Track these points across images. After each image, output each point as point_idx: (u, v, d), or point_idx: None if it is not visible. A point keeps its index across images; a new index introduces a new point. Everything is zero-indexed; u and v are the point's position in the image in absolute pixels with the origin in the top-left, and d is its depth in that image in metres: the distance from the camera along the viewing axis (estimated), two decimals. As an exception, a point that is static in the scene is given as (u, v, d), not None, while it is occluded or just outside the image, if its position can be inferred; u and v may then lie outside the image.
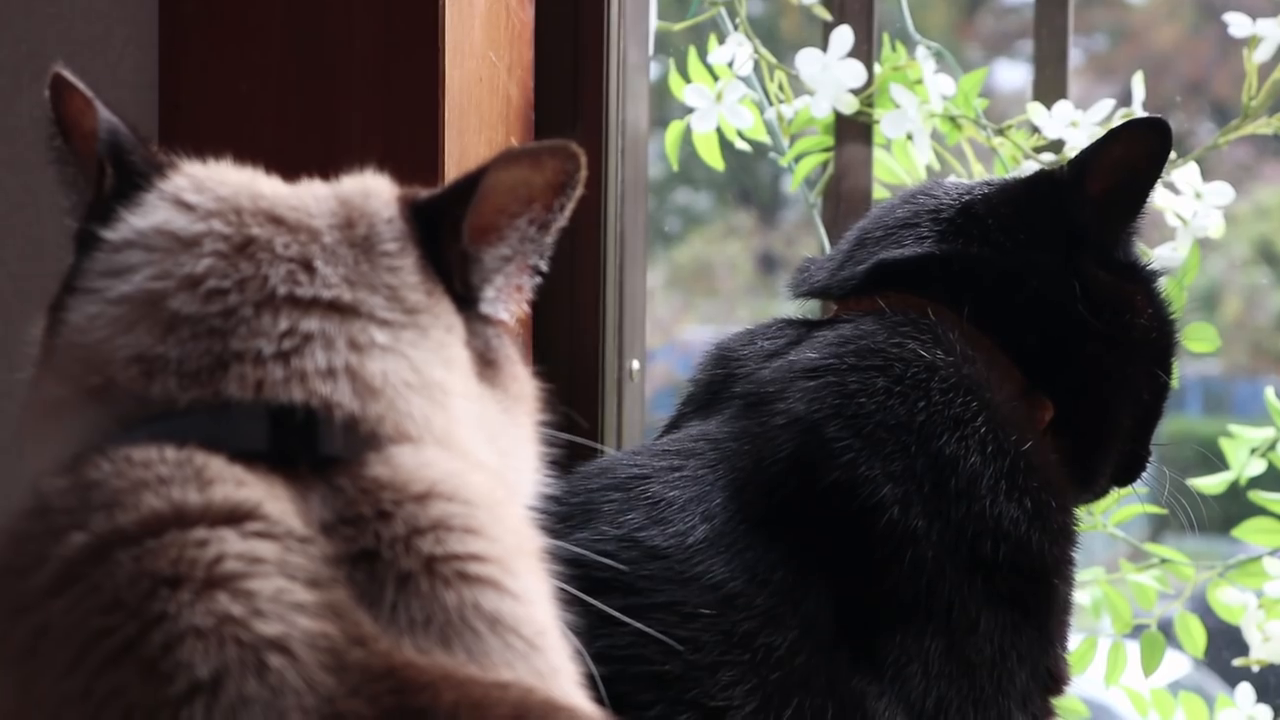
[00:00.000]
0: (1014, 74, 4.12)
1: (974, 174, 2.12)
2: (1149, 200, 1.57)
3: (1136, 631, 2.19)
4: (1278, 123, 2.07)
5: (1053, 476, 1.46)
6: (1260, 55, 2.04)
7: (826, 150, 2.16)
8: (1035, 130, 2.07)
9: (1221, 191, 2.09)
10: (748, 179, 3.72)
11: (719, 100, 2.10)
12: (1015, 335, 1.50)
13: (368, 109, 1.64)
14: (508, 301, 1.12)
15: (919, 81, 2.11)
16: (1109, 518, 2.06)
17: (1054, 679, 1.45)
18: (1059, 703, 2.10)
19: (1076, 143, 2.05)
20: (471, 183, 1.07)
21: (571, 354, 1.87)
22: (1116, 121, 2.05)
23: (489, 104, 1.71)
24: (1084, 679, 2.22)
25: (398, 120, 1.63)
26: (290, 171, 1.65)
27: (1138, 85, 2.06)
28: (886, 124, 2.09)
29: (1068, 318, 1.50)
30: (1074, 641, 2.18)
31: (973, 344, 1.47)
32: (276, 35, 1.66)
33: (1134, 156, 1.52)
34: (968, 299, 1.50)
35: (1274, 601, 2.10)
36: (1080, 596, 2.15)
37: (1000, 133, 2.09)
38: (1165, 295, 1.60)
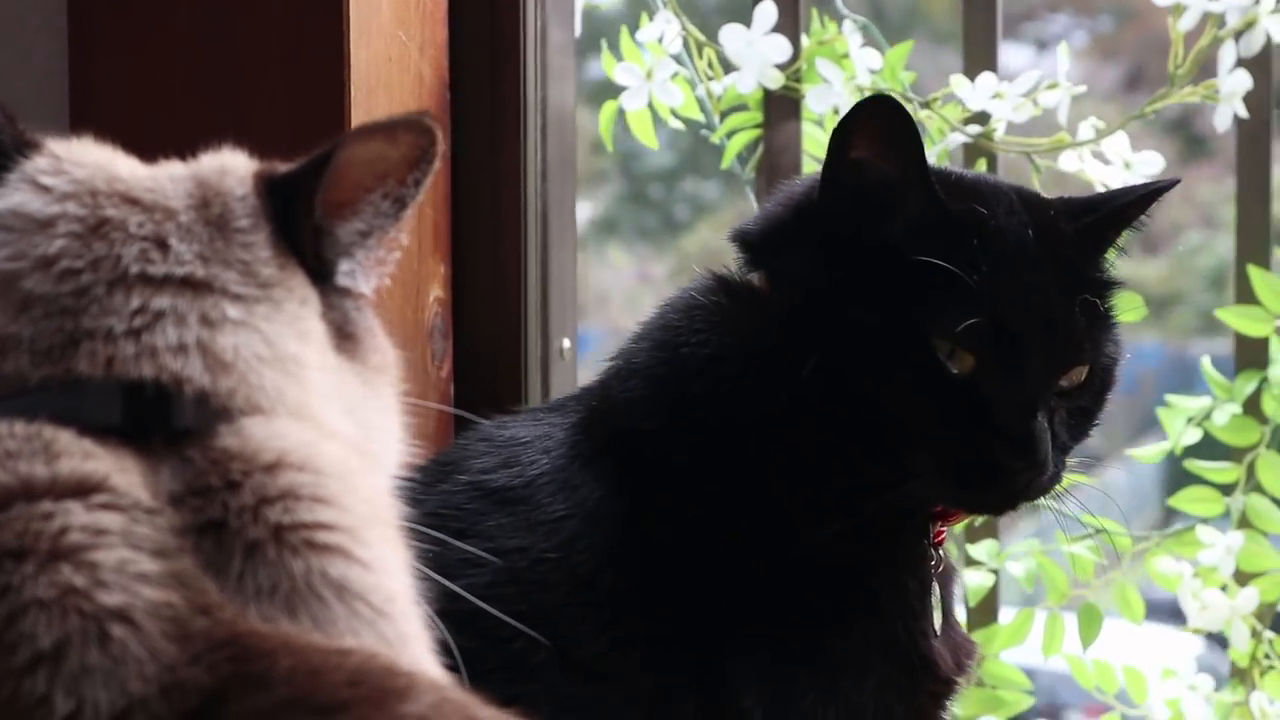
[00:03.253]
0: (1019, 57, 4.14)
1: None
2: (924, 166, 1.46)
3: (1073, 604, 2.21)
4: (1204, 91, 2.07)
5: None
6: (1184, 24, 2.05)
7: (757, 126, 2.16)
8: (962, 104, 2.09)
9: (1150, 161, 2.10)
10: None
11: (649, 78, 2.10)
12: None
13: (274, 88, 1.65)
14: (368, 274, 1.13)
15: (845, 56, 2.12)
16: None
17: (922, 666, 1.46)
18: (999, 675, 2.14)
19: (1001, 114, 2.06)
20: (325, 158, 1.08)
21: (495, 333, 1.88)
22: (1042, 94, 2.06)
23: (399, 83, 1.72)
24: (1025, 650, 2.24)
25: (304, 99, 1.63)
26: (199, 151, 1.67)
27: (1063, 56, 2.07)
28: (813, 99, 2.10)
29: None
30: (1009, 614, 2.22)
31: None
32: (184, 15, 1.67)
33: (891, 130, 1.43)
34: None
35: (1210, 570, 2.11)
36: (1014, 568, 2.17)
37: (926, 106, 2.10)
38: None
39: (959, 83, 2.06)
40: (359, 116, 1.63)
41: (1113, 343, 1.48)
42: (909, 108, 2.10)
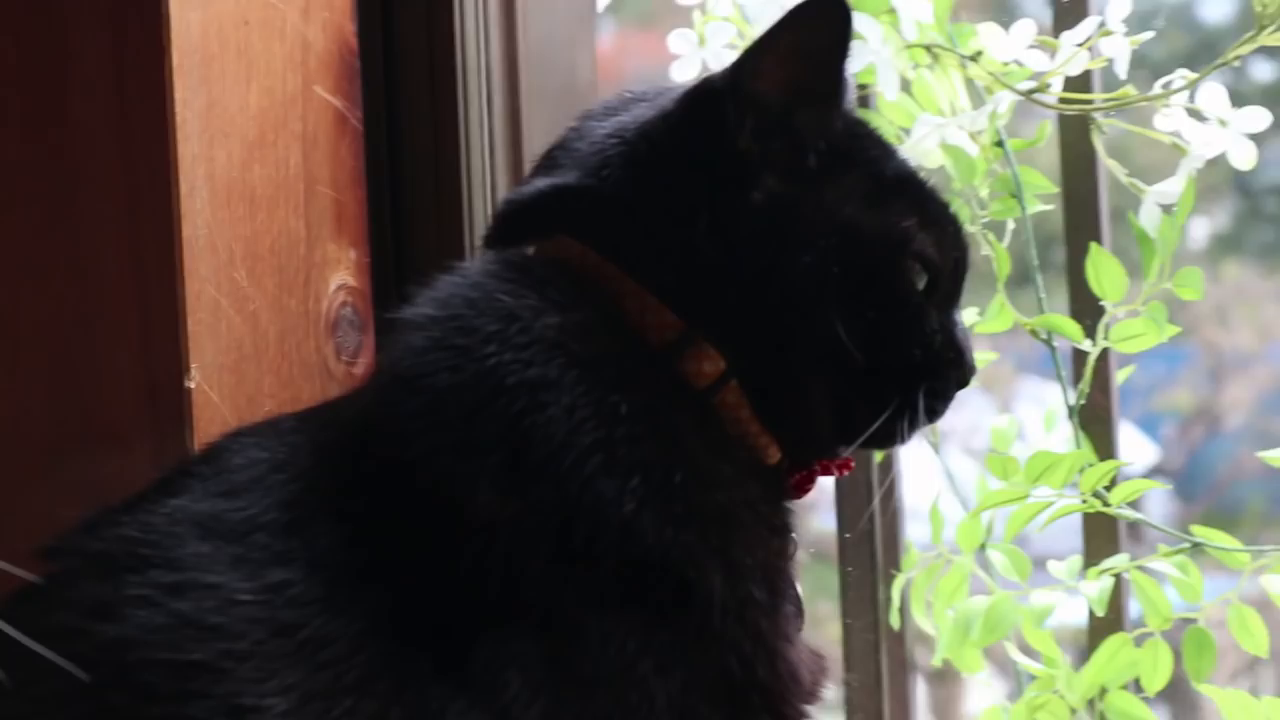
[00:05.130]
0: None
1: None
2: (840, 90, 1.31)
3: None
4: (1301, 32, 1.74)
5: (699, 444, 1.22)
6: (1273, -48, 1.73)
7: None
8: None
9: (1254, 117, 1.78)
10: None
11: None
12: (658, 276, 1.26)
13: (98, 55, 1.48)
14: None
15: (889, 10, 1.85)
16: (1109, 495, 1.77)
17: (767, 690, 1.20)
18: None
19: (1040, 68, 1.77)
20: None
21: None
22: (1101, 43, 1.76)
23: (267, 49, 1.53)
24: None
25: (128, 69, 1.46)
26: (18, 129, 1.52)
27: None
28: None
29: (703, 250, 1.26)
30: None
31: (600, 288, 1.25)
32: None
33: (811, 43, 1.26)
34: (607, 236, 1.27)
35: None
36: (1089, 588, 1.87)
37: (973, 60, 1.81)
38: (913, 185, 1.35)
39: (988, 31, 1.77)
40: (190, 87, 1.44)
41: None
42: (952, 59, 1.84)
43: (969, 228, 1.82)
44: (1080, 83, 1.81)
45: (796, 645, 1.25)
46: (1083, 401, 1.83)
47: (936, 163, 1.85)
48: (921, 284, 1.31)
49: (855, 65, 1.83)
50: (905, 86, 1.87)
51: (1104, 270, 1.74)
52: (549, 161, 1.34)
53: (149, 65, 1.44)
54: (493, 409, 1.17)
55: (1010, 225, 1.83)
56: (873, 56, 1.83)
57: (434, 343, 1.21)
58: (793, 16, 1.25)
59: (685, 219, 1.26)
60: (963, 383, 1.34)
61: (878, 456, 1.90)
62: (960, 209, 1.83)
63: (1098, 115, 1.78)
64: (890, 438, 1.30)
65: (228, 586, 1.12)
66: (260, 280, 1.51)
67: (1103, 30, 1.74)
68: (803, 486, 1.32)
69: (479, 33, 1.68)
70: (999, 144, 1.81)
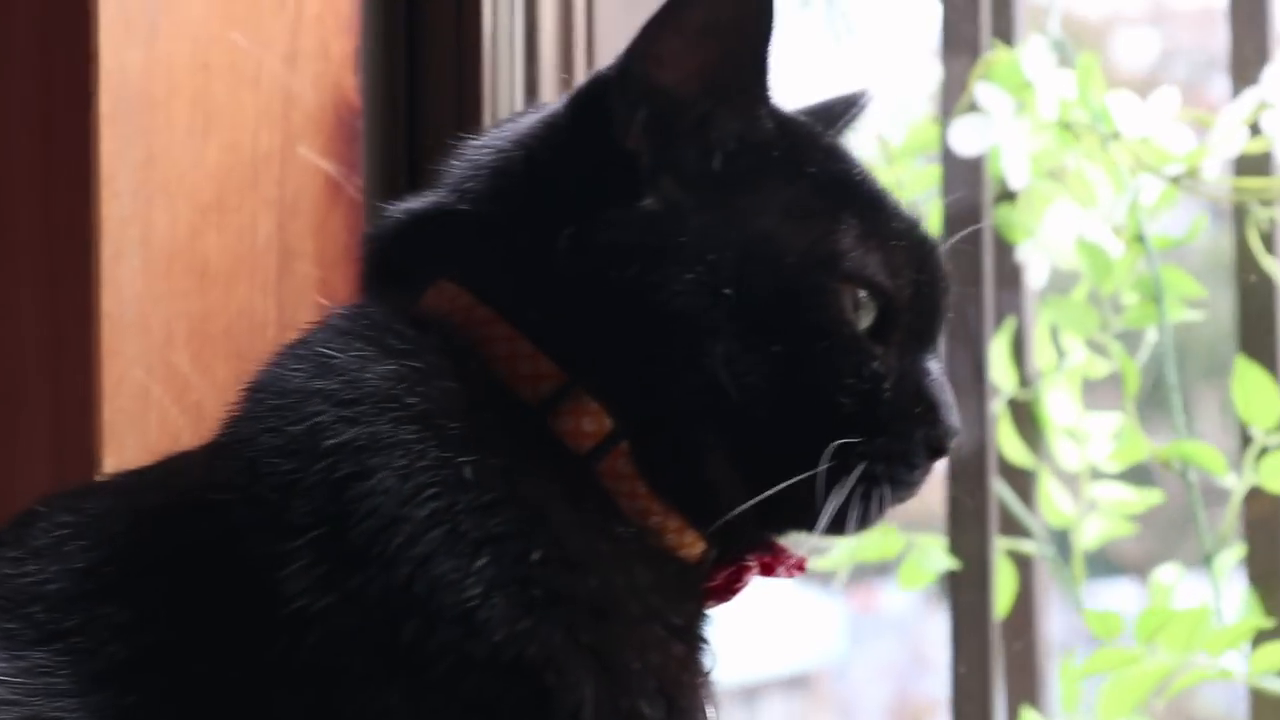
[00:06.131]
0: None
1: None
2: (762, 81, 1.03)
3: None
4: None
5: (571, 518, 0.96)
6: None
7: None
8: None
9: None
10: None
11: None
12: (528, 314, 1.00)
13: (23, 97, 1.30)
14: None
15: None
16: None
17: None
18: None
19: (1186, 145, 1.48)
20: None
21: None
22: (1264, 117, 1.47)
23: (233, 99, 1.32)
24: None
25: (57, 114, 1.28)
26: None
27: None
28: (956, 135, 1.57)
29: (569, 276, 1.00)
30: None
31: (463, 332, 1.01)
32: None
33: (720, 20, 0.99)
34: (470, 266, 1.03)
35: None
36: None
37: (1116, 139, 1.53)
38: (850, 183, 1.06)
39: (1123, 103, 1.49)
40: (126, 147, 1.25)
41: None
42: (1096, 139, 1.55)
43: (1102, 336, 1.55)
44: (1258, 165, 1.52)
45: None
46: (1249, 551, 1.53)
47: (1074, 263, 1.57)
48: (867, 316, 1.03)
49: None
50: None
51: (1253, 390, 1.44)
52: (431, 183, 1.10)
53: (75, 109, 1.25)
54: (310, 477, 0.94)
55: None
56: (999, 137, 1.56)
57: (257, 404, 0.99)
58: None
59: (549, 237, 1.01)
60: (937, 447, 1.04)
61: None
62: (1089, 316, 1.56)
63: (1255, 204, 1.48)
64: (839, 521, 1.01)
65: None
66: (209, 366, 1.30)
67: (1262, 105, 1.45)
68: (729, 587, 1.04)
69: (510, 90, 1.46)
70: (1140, 239, 1.52)
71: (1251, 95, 1.47)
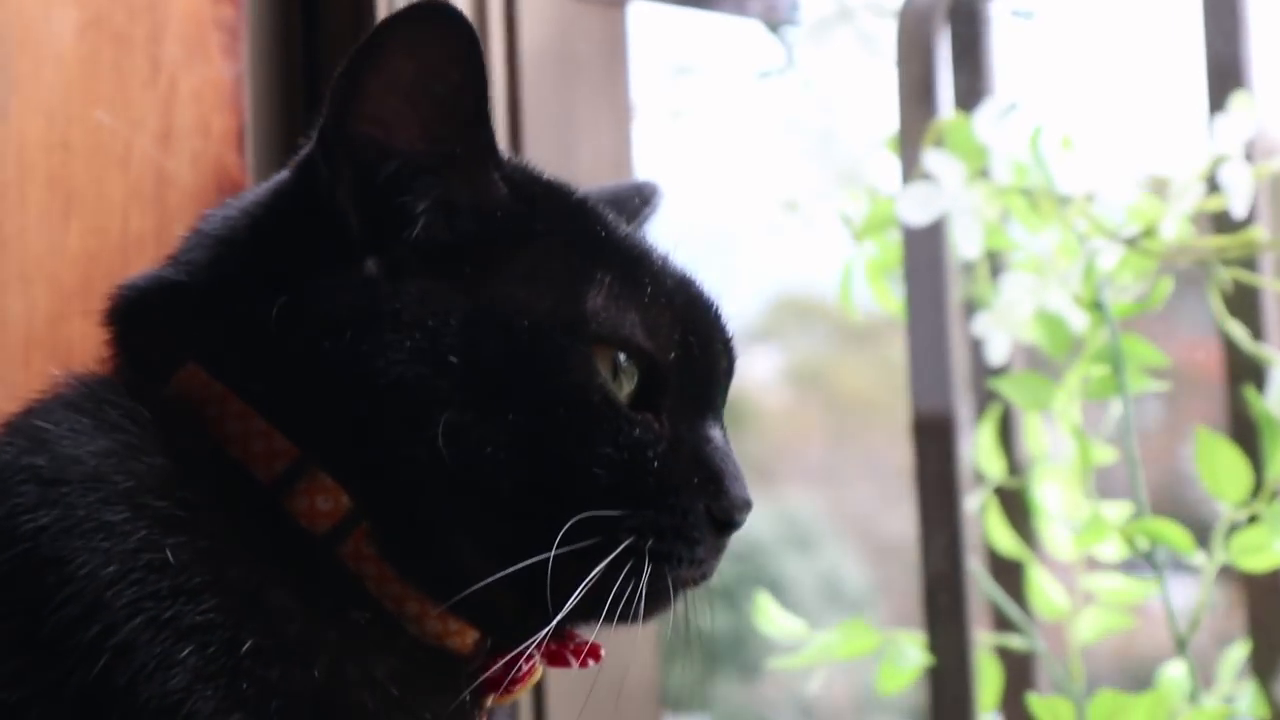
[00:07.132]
0: None
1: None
2: (482, 132, 0.94)
3: None
4: None
5: (292, 605, 0.88)
6: None
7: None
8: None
9: None
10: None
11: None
12: (254, 387, 0.92)
13: None
14: None
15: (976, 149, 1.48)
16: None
17: None
18: None
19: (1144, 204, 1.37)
20: None
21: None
22: (1222, 168, 1.36)
23: (98, 180, 1.26)
24: None
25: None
26: None
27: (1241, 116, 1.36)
28: (905, 205, 1.48)
29: (286, 347, 0.92)
30: None
31: (192, 409, 0.93)
32: None
33: (423, 72, 0.91)
34: (197, 341, 0.95)
35: None
36: None
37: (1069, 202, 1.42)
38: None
39: (1072, 164, 1.38)
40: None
41: None
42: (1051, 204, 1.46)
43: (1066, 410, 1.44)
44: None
45: None
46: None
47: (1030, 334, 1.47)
48: (629, 381, 0.94)
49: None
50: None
51: (1220, 462, 1.32)
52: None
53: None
54: (7, 564, 0.86)
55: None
56: (949, 205, 1.46)
57: None
58: (391, 33, 0.91)
59: (263, 308, 0.92)
60: (724, 520, 0.94)
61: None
62: (1044, 389, 1.46)
63: (1218, 265, 1.38)
64: (623, 605, 0.91)
65: None
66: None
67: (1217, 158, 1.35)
68: (503, 680, 0.94)
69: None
70: (1097, 306, 1.41)
71: (1206, 149, 1.37)
